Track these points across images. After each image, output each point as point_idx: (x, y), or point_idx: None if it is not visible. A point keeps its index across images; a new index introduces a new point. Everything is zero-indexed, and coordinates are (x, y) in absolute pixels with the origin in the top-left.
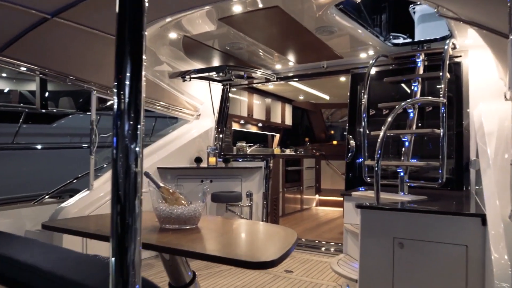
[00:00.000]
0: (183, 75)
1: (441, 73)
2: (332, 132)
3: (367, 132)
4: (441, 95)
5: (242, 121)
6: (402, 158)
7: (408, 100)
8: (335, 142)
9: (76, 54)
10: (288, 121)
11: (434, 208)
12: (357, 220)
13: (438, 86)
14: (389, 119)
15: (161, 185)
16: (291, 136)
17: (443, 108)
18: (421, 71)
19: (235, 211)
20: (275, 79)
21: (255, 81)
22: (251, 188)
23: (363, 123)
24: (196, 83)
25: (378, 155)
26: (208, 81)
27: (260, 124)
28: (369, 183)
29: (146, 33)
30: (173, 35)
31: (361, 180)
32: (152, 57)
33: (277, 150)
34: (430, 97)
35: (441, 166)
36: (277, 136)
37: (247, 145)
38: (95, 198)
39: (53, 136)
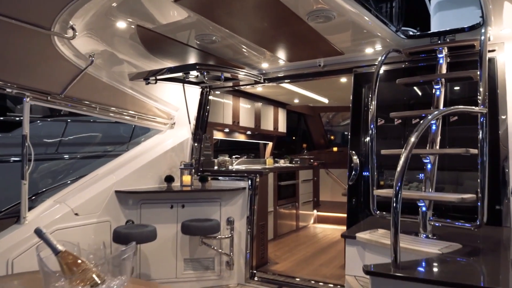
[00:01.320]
0: (145, 76)
1: (478, 72)
2: (332, 137)
3: (374, 148)
4: (479, 102)
5: (226, 130)
6: (424, 185)
7: (436, 112)
8: (335, 149)
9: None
10: (282, 127)
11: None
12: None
13: (457, 88)
14: (413, 139)
15: (61, 249)
16: (287, 143)
17: (482, 119)
18: (443, 70)
19: (211, 245)
20: (262, 81)
21: (240, 83)
22: (232, 213)
23: (369, 138)
24: (170, 86)
25: (397, 188)
26: (182, 84)
27: (248, 132)
28: (379, 216)
29: None
30: (121, 24)
31: (368, 207)
32: (106, 54)
33: (269, 161)
34: (462, 106)
35: (480, 200)
36: (270, 144)
37: (234, 157)
38: (26, 235)
39: (10, 146)
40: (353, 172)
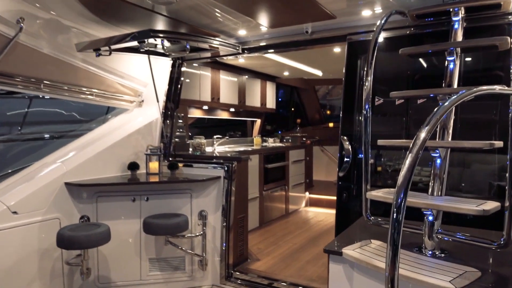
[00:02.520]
0: (96, 47)
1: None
2: (328, 112)
3: (369, 135)
4: None
5: (205, 107)
6: (431, 186)
7: (455, 97)
8: (331, 125)
9: None
10: (271, 103)
11: None
12: None
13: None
14: (423, 134)
15: None
16: (279, 119)
17: None
18: (459, 37)
19: (179, 245)
20: (240, 51)
21: (220, 53)
22: (206, 206)
23: (363, 122)
24: (137, 58)
25: (401, 195)
26: (147, 56)
27: (232, 109)
28: (374, 223)
29: None
30: None
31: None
32: (44, 20)
33: (257, 140)
34: (490, 87)
35: (508, 211)
36: (258, 122)
37: (216, 137)
38: None
39: None
40: (345, 160)
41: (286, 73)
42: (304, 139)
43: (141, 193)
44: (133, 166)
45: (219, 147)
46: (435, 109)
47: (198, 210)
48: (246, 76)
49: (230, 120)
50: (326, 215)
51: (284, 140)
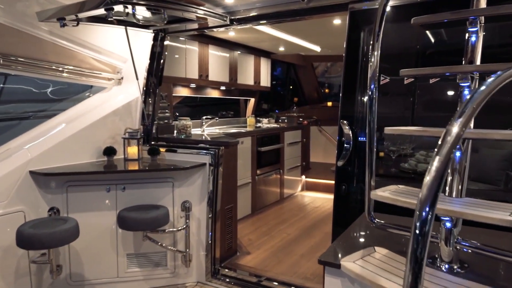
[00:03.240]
0: (60, 16)
1: None
2: (326, 90)
3: (374, 122)
4: None
5: (193, 85)
6: (449, 184)
7: (494, 77)
8: (329, 104)
9: None
10: (265, 81)
11: None
12: None
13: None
14: (456, 129)
15: None
16: (275, 98)
17: None
18: (482, 4)
19: (159, 241)
20: (229, 22)
21: (208, 25)
22: (189, 196)
23: (368, 105)
24: (115, 30)
25: (427, 209)
26: (124, 27)
27: (222, 88)
28: (379, 227)
29: None
30: None
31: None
32: None
33: (250, 121)
34: None
35: None
36: (252, 101)
37: (205, 118)
38: None
39: None
40: (345, 147)
41: (281, 49)
42: (301, 119)
43: (117, 182)
44: (109, 151)
45: (208, 128)
46: (468, 94)
47: (181, 201)
48: (238, 52)
49: (222, 99)
50: (323, 201)
51: (280, 121)
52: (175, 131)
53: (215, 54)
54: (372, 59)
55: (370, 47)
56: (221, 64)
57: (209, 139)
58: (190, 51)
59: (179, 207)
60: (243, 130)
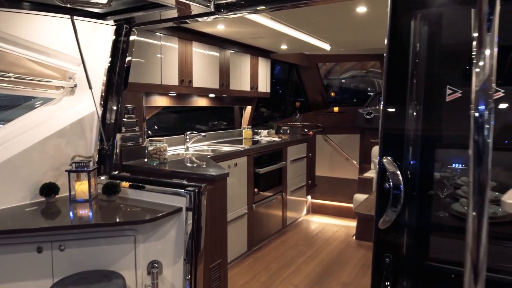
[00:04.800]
0: None
1: None
2: (332, 94)
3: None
4: None
5: (172, 93)
6: None
7: None
8: (336, 109)
9: None
10: (264, 86)
11: None
12: None
13: None
14: None
15: None
16: (275, 102)
17: None
18: None
19: None
20: (213, 9)
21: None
22: (159, 254)
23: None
24: (67, 24)
25: None
26: (69, 17)
27: (211, 95)
28: None
29: None
30: None
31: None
32: None
33: (246, 133)
34: None
35: None
36: (248, 109)
37: (189, 133)
38: None
39: None
40: (393, 196)
41: (283, 47)
42: (306, 130)
43: (52, 238)
44: (48, 190)
45: (194, 145)
46: None
47: (146, 262)
48: (231, 51)
49: (212, 109)
50: (333, 229)
51: (281, 131)
52: (146, 157)
53: (201, 54)
54: (481, 62)
55: (476, 41)
56: (209, 66)
57: (190, 165)
58: (167, 50)
59: (144, 271)
60: (237, 147)
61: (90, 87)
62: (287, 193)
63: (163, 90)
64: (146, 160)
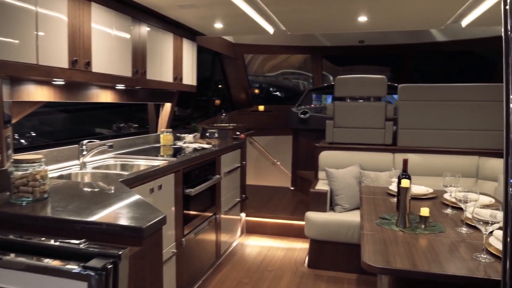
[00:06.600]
0: None
1: None
2: (256, 91)
3: None
4: None
5: (59, 82)
6: None
7: None
8: (261, 108)
9: None
10: (190, 77)
11: None
12: None
13: None
14: None
15: None
16: (196, 100)
17: None
18: None
19: None
20: None
21: None
22: None
23: None
24: None
25: None
26: None
27: (120, 86)
28: None
29: None
30: None
31: None
32: None
33: (165, 139)
34: None
35: None
36: (167, 107)
37: (89, 142)
38: None
39: None
40: None
41: (218, 25)
42: (238, 133)
43: None
44: None
45: (95, 159)
46: None
47: None
48: (149, 24)
49: (121, 106)
50: (278, 253)
51: (207, 135)
52: (12, 191)
53: (105, 23)
54: None
55: None
56: (118, 43)
57: (92, 199)
58: (48, 7)
59: None
60: (157, 159)
61: None
62: (221, 215)
63: (42, 74)
64: (10, 195)
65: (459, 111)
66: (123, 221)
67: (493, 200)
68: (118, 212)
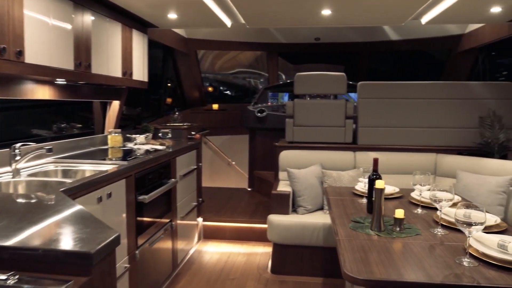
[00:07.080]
0: None
1: None
2: (210, 89)
3: None
4: None
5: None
6: None
7: None
8: (215, 107)
9: None
10: (140, 72)
11: None
12: None
13: None
14: None
15: None
16: (146, 98)
17: None
18: None
19: None
20: None
21: None
22: None
23: None
24: None
25: None
26: None
27: (61, 81)
28: None
29: None
30: None
31: None
32: None
33: (113, 140)
34: None
35: None
36: (115, 105)
37: (23, 145)
38: None
39: None
40: None
41: (172, 15)
42: (193, 132)
43: None
44: None
45: (31, 164)
46: None
47: None
48: (92, 17)
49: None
50: (238, 259)
51: (160, 135)
52: None
53: (41, 6)
54: None
55: None
56: (57, 31)
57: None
58: None
59: None
60: (105, 163)
61: None
62: (177, 220)
63: None
64: None
65: (418, 109)
66: (66, 245)
67: (459, 198)
68: (59, 233)
